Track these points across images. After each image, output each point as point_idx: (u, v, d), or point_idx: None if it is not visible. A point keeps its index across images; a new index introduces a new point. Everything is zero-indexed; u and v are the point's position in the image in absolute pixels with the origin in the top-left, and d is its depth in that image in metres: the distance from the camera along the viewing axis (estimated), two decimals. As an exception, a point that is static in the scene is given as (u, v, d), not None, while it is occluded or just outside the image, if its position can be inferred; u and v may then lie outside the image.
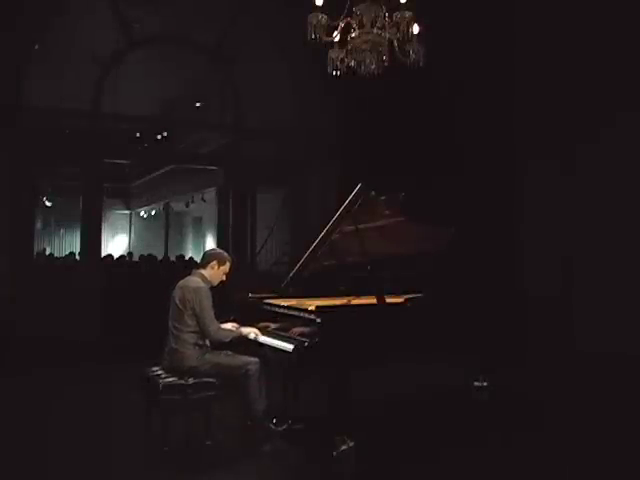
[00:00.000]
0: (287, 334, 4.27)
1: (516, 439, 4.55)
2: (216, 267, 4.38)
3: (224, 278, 4.46)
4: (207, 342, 4.27)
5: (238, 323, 4.50)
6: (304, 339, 4.01)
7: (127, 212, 19.58)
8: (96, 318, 8.66)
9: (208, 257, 4.42)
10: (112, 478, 3.86)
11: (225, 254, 4.51)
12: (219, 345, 4.30)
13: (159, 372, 4.21)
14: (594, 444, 4.46)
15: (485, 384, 5.46)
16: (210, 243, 16.51)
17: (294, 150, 10.22)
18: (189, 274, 4.41)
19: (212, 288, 4.36)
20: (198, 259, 4.64)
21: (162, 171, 15.91)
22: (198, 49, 9.98)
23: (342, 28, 4.80)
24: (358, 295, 4.83)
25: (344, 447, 3.92)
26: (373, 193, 4.39)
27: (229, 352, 4.32)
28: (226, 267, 4.43)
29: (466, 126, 8.61)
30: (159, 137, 14.51)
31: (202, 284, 4.28)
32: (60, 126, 9.56)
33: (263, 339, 4.38)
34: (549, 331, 7.77)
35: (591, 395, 5.85)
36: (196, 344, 4.19)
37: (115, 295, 9.12)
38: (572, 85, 8.11)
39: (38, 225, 11.93)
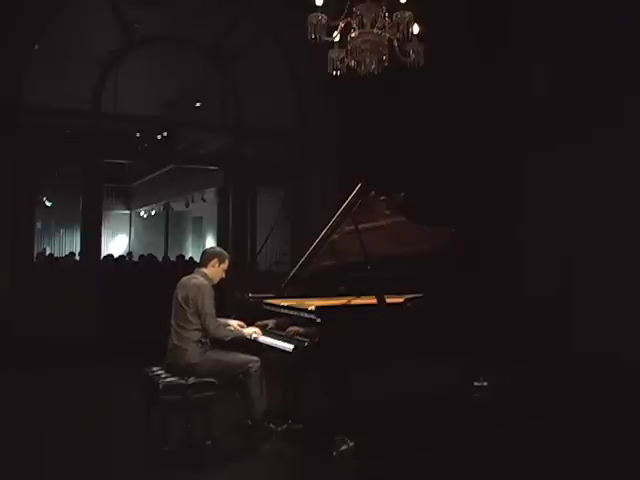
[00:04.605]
0: (287, 334, 4.28)
1: (516, 439, 4.56)
2: (217, 265, 4.43)
3: (224, 275, 4.51)
4: (209, 340, 4.29)
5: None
6: (304, 339, 4.02)
7: (127, 212, 19.58)
8: (96, 318, 8.67)
9: (209, 255, 4.47)
10: (112, 478, 3.86)
11: (224, 252, 4.57)
12: (219, 344, 4.31)
13: (159, 372, 4.22)
14: (593, 444, 4.46)
15: (485, 384, 5.46)
16: (210, 243, 16.51)
17: (294, 150, 10.22)
18: (190, 273, 4.43)
19: (213, 287, 4.38)
20: (198, 259, 4.67)
21: (162, 171, 15.92)
22: (198, 49, 9.98)
23: (342, 28, 4.80)
24: (358, 295, 4.84)
25: (344, 447, 3.93)
26: (373, 193, 4.40)
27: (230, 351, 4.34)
28: (226, 264, 4.49)
29: (465, 125, 8.61)
30: (159, 137, 14.50)
31: (205, 282, 4.32)
32: (60, 126, 9.56)
33: (263, 339, 4.39)
34: (548, 331, 7.76)
35: (590, 396, 5.85)
36: (199, 341, 4.22)
37: (115, 295, 9.13)
38: (572, 82, 8.11)
39: (38, 225, 11.90)
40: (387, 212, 4.58)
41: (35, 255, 9.59)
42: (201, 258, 4.52)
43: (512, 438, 4.57)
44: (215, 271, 4.42)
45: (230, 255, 4.61)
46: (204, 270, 4.40)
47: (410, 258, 4.81)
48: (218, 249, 4.67)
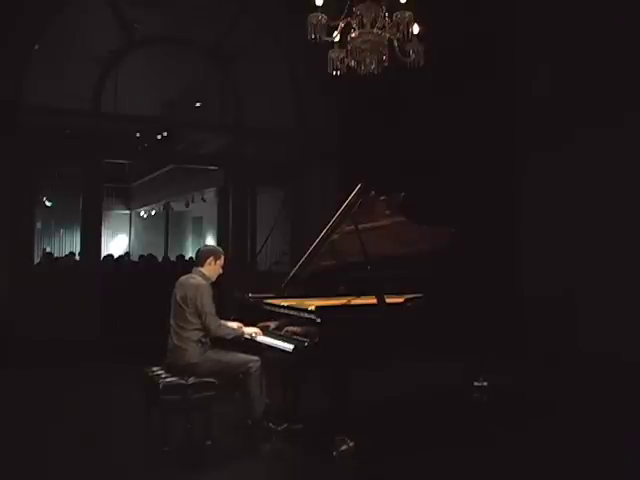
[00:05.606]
0: (287, 334, 4.28)
1: (516, 439, 4.55)
2: (213, 262, 4.45)
3: (221, 271, 4.53)
4: (209, 340, 4.30)
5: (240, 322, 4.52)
6: (304, 339, 4.02)
7: (127, 212, 19.57)
8: (96, 318, 8.67)
9: (204, 254, 4.49)
10: (112, 478, 3.86)
11: (219, 248, 4.63)
12: (219, 344, 4.31)
13: (159, 372, 4.22)
14: (593, 444, 4.45)
15: (485, 384, 5.46)
16: (210, 243, 16.49)
17: (294, 150, 10.23)
18: (189, 272, 4.44)
19: (212, 284, 4.40)
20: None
21: (162, 171, 15.92)
22: (198, 49, 9.98)
23: (342, 28, 4.81)
24: (358, 295, 4.84)
25: (344, 447, 3.93)
26: (373, 193, 4.40)
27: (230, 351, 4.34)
28: (222, 260, 4.52)
29: (465, 125, 8.60)
30: (159, 137, 14.50)
31: (203, 281, 4.34)
32: (60, 126, 9.55)
33: (263, 339, 4.39)
34: (550, 331, 7.76)
35: (592, 395, 5.85)
36: (199, 341, 4.22)
37: (115, 295, 9.13)
38: (572, 82, 8.10)
39: (38, 225, 11.89)
40: (387, 212, 4.58)
41: (35, 255, 9.59)
42: (196, 258, 4.54)
43: (512, 438, 4.57)
44: (212, 269, 4.44)
45: (226, 252, 4.65)
46: (201, 269, 4.42)
47: (410, 258, 4.81)
48: (212, 246, 4.76)
